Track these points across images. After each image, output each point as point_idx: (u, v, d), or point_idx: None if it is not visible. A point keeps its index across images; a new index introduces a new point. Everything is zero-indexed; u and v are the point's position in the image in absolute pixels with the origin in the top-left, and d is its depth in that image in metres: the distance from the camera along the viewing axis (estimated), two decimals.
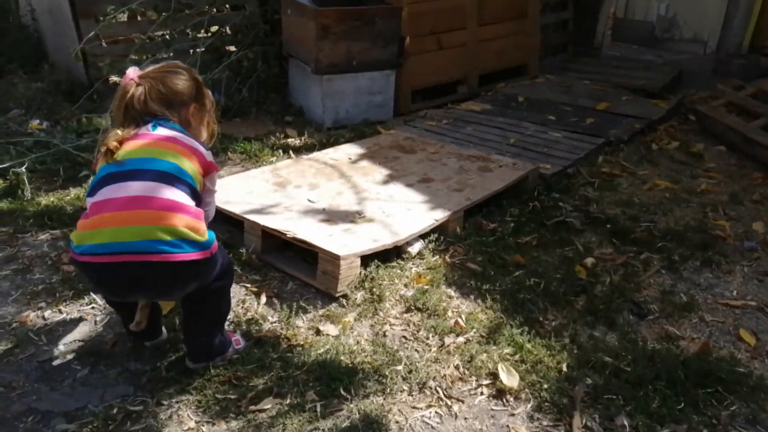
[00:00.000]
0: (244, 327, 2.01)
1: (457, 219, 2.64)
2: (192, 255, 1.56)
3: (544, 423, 1.69)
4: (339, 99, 3.94)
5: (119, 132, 1.64)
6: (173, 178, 1.60)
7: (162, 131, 1.67)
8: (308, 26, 3.71)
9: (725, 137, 3.85)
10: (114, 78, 4.03)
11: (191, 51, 4.04)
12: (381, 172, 3.02)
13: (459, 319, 2.07)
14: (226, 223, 2.54)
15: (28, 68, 4.78)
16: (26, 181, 2.92)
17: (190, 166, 1.64)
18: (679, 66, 5.28)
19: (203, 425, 1.65)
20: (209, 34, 4.17)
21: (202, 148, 1.72)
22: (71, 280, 2.25)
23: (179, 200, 1.59)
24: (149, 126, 1.67)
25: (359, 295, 2.18)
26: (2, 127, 3.71)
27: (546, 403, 1.75)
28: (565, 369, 1.86)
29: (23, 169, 2.99)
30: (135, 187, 1.56)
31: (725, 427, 1.69)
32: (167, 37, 3.95)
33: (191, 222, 1.58)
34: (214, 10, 4.10)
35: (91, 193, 1.61)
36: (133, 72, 1.73)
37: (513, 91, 4.62)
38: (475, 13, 4.45)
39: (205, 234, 1.62)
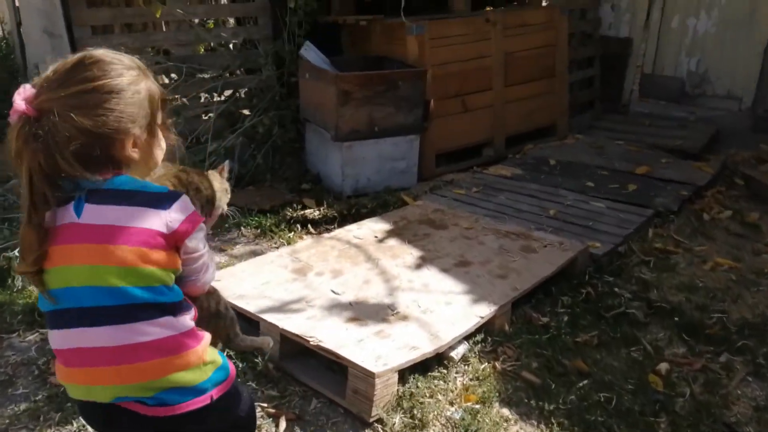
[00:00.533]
0: None
1: (504, 313, 2.30)
2: (189, 405, 1.16)
3: None
4: (360, 166, 3.67)
5: (27, 258, 1.06)
6: (131, 309, 1.08)
7: (92, 213, 1.07)
8: (328, 91, 3.46)
9: None
10: None
11: (203, 116, 3.81)
12: (412, 254, 2.70)
13: None
14: (239, 320, 2.20)
15: None
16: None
17: (148, 266, 1.08)
18: (713, 123, 5.01)
19: None
20: (223, 98, 3.95)
21: (158, 218, 1.08)
22: (58, 397, 1.92)
23: (147, 339, 1.09)
24: (71, 208, 1.07)
25: (397, 420, 1.83)
26: None
27: None
28: None
29: (16, 252, 2.71)
30: (83, 338, 1.09)
31: None
32: (179, 102, 3.71)
33: (172, 362, 1.12)
34: (228, 74, 3.89)
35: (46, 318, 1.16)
36: (23, 96, 1.01)
37: (542, 153, 4.34)
38: (501, 74, 4.22)
39: (202, 361, 1.15)
